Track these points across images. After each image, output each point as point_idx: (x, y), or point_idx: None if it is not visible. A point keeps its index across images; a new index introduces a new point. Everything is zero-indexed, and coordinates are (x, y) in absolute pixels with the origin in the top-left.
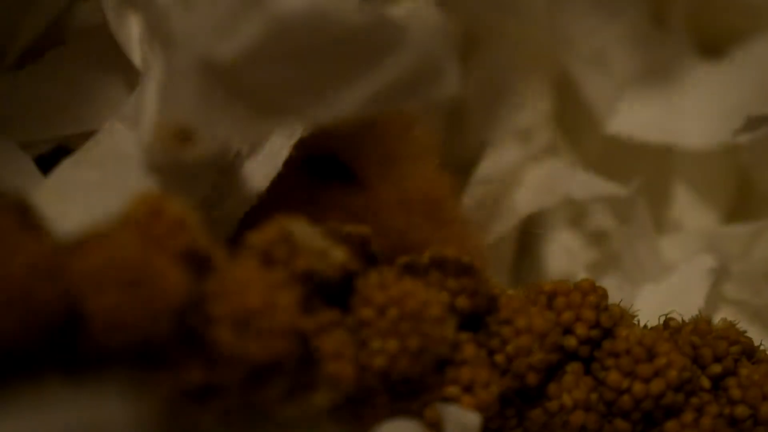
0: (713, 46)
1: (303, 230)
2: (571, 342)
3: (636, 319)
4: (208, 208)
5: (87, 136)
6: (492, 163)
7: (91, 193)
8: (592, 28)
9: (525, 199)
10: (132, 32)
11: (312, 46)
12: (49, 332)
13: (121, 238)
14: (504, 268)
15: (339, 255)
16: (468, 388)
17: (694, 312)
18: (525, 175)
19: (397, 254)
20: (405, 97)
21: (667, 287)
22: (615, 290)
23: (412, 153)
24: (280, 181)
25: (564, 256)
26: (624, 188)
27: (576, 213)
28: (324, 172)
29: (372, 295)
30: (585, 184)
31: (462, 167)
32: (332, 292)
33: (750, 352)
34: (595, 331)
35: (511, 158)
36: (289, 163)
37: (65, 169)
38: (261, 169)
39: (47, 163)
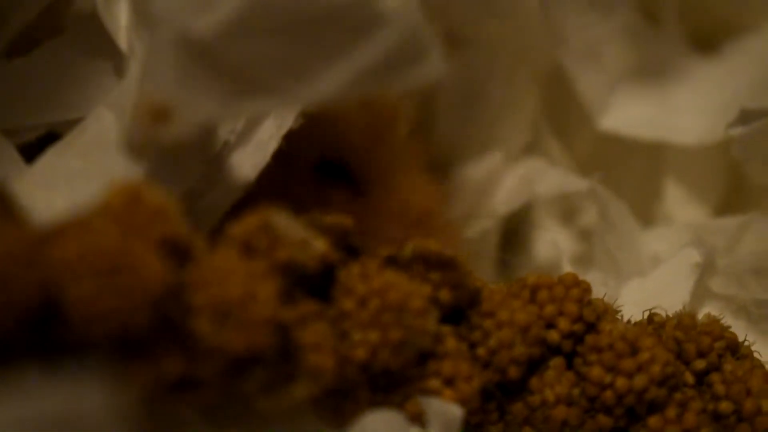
0: (706, 42)
1: (283, 221)
2: (553, 336)
3: (620, 314)
4: (195, 197)
5: (76, 122)
6: (473, 168)
7: (76, 181)
8: (585, 24)
9: (501, 200)
10: (120, 19)
11: (292, 23)
12: (27, 321)
13: (99, 226)
14: (488, 264)
15: (320, 246)
16: (449, 382)
17: (680, 307)
18: (504, 177)
19: None
20: (388, 79)
21: (652, 281)
22: (600, 285)
23: (409, 165)
24: (290, 177)
25: (552, 251)
26: (588, 182)
27: (566, 209)
28: (331, 175)
29: (354, 286)
30: (551, 181)
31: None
32: (313, 283)
33: (734, 348)
34: (577, 325)
35: (492, 163)
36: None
37: (50, 156)
38: (249, 159)
39: (38, 150)
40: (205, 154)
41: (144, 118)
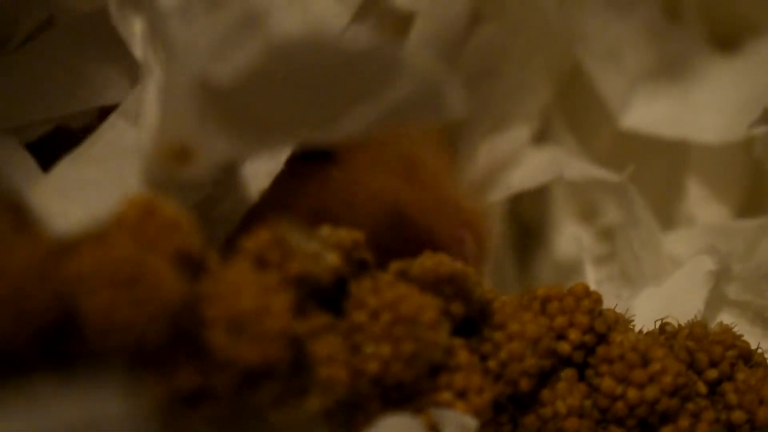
0: (726, 40)
1: (296, 234)
2: (564, 347)
3: (632, 324)
4: (209, 206)
5: (85, 114)
6: (496, 141)
7: (90, 190)
8: (605, 23)
9: (519, 177)
10: (134, 28)
11: (309, 71)
12: (43, 332)
13: (114, 239)
14: (507, 262)
15: (332, 259)
16: (461, 394)
17: (695, 314)
18: (524, 156)
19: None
20: (405, 120)
21: (668, 288)
22: (614, 293)
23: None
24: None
25: (572, 249)
26: (617, 175)
27: (586, 207)
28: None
29: (365, 299)
30: (579, 168)
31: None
32: (325, 296)
33: (746, 357)
34: (588, 336)
35: (518, 138)
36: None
37: (65, 165)
38: (263, 167)
39: (49, 146)
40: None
41: (166, 158)
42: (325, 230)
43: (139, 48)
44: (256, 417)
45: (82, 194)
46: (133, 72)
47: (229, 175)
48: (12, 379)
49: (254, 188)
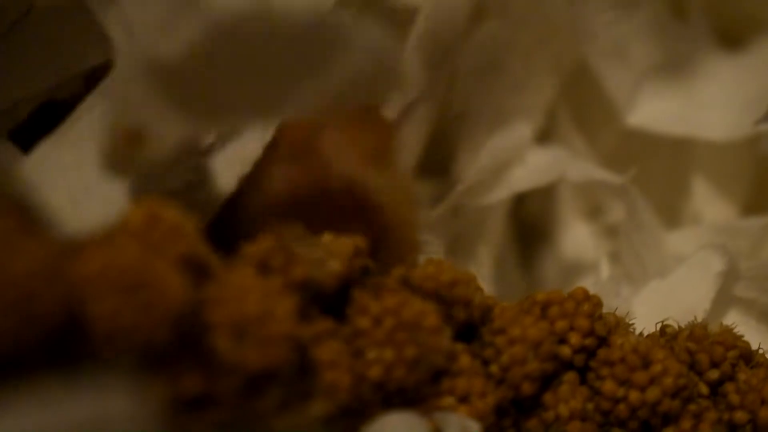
0: (733, 37)
1: (299, 240)
2: (565, 351)
3: (632, 326)
4: (186, 194)
5: (70, 84)
6: (498, 138)
7: (69, 173)
8: (611, 21)
9: (521, 176)
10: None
11: (255, 46)
12: (51, 335)
13: (119, 242)
14: (511, 261)
15: (335, 264)
16: (464, 399)
17: (700, 312)
18: (527, 156)
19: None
20: (360, 96)
21: (672, 282)
22: (615, 293)
23: None
24: None
25: (577, 248)
26: (620, 177)
27: (591, 206)
28: None
29: (368, 305)
30: (582, 168)
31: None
32: (328, 302)
33: (748, 357)
34: (589, 339)
35: (520, 137)
36: None
37: (45, 149)
38: (241, 153)
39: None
40: (185, 160)
41: (119, 142)
42: (328, 236)
43: (111, 29)
44: (259, 422)
45: (61, 178)
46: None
47: (196, 158)
48: (19, 380)
49: (232, 174)
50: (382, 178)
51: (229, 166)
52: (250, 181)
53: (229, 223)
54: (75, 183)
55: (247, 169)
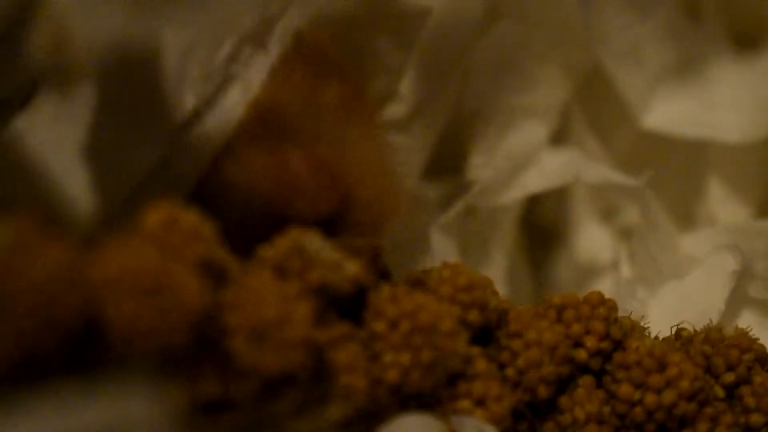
0: (746, 39)
1: (316, 243)
2: (581, 355)
3: (647, 330)
4: (163, 167)
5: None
6: (513, 138)
7: (47, 152)
8: (625, 24)
9: (535, 178)
10: None
11: None
12: (71, 338)
13: (138, 247)
14: (523, 263)
15: (352, 268)
16: (480, 402)
17: (717, 311)
18: (541, 157)
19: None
20: None
21: (688, 284)
22: (636, 289)
23: None
24: None
25: (592, 250)
26: (635, 180)
27: (605, 208)
28: None
29: (384, 308)
30: (596, 170)
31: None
32: (345, 306)
33: (763, 360)
34: (605, 343)
35: (535, 138)
36: None
37: (18, 125)
38: (218, 127)
39: None
40: (171, 120)
41: (46, 47)
42: (345, 240)
43: None
44: (277, 425)
45: (38, 156)
46: None
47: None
48: (39, 384)
49: (209, 148)
50: (351, 134)
51: (205, 140)
52: (223, 156)
53: (206, 197)
54: (55, 162)
55: (221, 143)
